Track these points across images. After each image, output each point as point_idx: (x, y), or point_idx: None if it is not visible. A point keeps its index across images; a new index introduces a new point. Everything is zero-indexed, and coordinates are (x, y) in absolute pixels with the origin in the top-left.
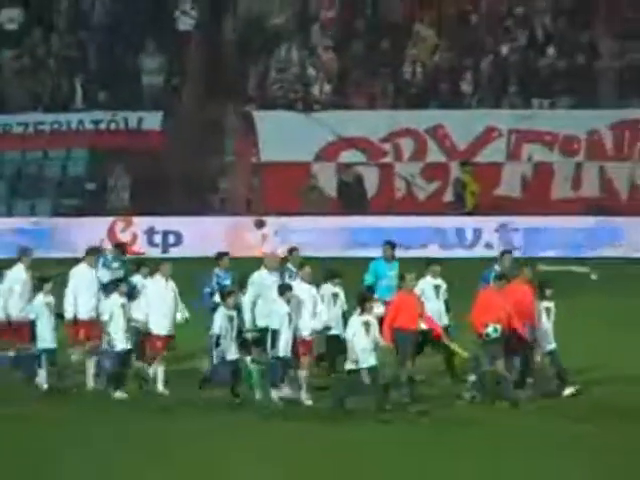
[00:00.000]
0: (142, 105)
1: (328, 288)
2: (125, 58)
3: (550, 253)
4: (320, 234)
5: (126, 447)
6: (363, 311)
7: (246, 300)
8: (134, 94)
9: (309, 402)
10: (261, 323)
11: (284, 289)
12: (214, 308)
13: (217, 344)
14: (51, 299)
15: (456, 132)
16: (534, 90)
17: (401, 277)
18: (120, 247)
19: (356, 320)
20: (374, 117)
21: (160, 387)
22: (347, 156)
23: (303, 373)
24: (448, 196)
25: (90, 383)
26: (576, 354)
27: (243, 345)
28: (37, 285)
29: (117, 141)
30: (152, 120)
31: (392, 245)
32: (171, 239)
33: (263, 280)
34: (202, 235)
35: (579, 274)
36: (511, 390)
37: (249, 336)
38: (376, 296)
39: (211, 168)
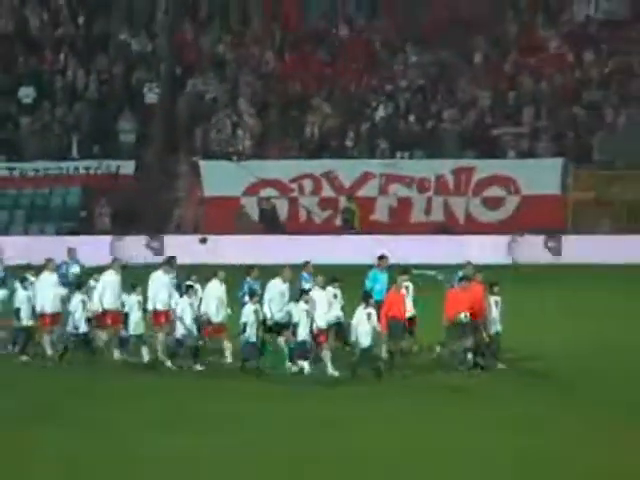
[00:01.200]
0: (120, 156)
1: (330, 290)
2: (108, 122)
3: (411, 261)
4: (247, 248)
5: (200, 401)
6: (366, 305)
7: (264, 299)
8: (114, 148)
9: (335, 373)
10: (275, 317)
11: (303, 293)
12: (242, 305)
13: (244, 330)
14: (141, 297)
15: (342, 175)
16: (398, 146)
17: (400, 280)
18: (171, 260)
19: (361, 311)
20: (285, 165)
21: (228, 358)
22: (266, 192)
23: (328, 353)
24: (337, 221)
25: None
26: None
27: (267, 330)
28: (132, 287)
29: (102, 182)
30: (127, 167)
31: (384, 257)
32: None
33: (275, 286)
34: (165, 248)
35: (430, 276)
36: (471, 360)
37: (269, 324)
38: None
39: (168, 201)
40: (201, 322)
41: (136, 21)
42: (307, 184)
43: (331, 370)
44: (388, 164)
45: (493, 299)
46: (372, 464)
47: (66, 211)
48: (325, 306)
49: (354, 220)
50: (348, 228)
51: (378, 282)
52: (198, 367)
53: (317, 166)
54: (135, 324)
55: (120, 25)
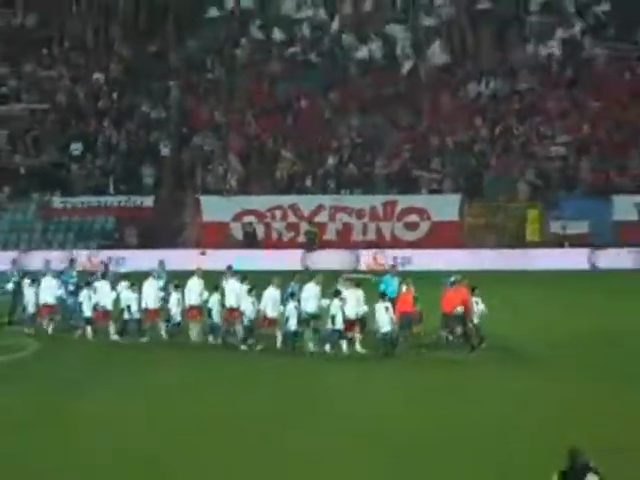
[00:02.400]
0: (142, 193)
1: (356, 291)
2: (134, 169)
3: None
4: (234, 259)
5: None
6: (384, 301)
7: (302, 298)
8: (138, 188)
9: (363, 351)
10: (310, 310)
11: (337, 293)
12: (286, 303)
13: (287, 321)
14: (220, 297)
15: (303, 207)
16: (343, 185)
17: (406, 283)
18: (231, 268)
19: (380, 306)
20: (262, 199)
21: (278, 343)
22: (248, 219)
23: (357, 336)
24: (299, 239)
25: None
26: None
27: (303, 322)
28: (215, 288)
29: (130, 212)
30: (148, 201)
31: (395, 266)
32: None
33: (311, 288)
34: (175, 259)
35: (365, 278)
36: (461, 342)
37: (304, 317)
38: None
39: (177, 225)
40: (259, 316)
41: (154, 96)
42: (278, 213)
43: (359, 349)
44: (336, 199)
45: (474, 299)
46: (390, 415)
47: (104, 233)
48: (354, 302)
49: (316, 239)
50: (311, 245)
51: (391, 284)
52: (258, 347)
53: (285, 200)
54: (216, 315)
55: (143, 99)
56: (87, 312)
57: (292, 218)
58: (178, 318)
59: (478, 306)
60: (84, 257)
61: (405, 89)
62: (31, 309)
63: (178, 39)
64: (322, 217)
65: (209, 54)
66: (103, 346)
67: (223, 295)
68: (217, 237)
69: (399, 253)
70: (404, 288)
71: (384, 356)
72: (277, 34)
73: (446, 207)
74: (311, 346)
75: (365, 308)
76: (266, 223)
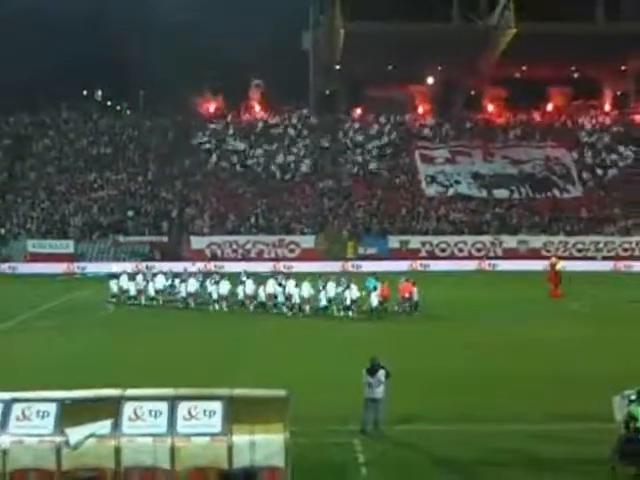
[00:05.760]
0: (162, 234)
1: (354, 285)
2: (158, 223)
3: (263, 272)
4: (209, 267)
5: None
6: (374, 290)
7: (327, 289)
8: (161, 232)
9: (355, 315)
10: (331, 295)
11: (348, 286)
12: (319, 292)
13: (319, 301)
14: (282, 289)
15: (240, 241)
16: (259, 231)
17: (382, 281)
18: (283, 272)
19: (373, 293)
20: (220, 238)
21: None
22: (213, 247)
23: (354, 309)
24: (238, 256)
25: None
26: None
27: (328, 301)
28: (279, 284)
29: (157, 243)
30: (165, 238)
31: (375, 273)
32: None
33: (331, 283)
34: (178, 268)
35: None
36: (410, 311)
37: (329, 298)
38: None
39: (179, 250)
40: (302, 299)
41: (169, 189)
42: (227, 244)
43: (351, 314)
44: (256, 237)
45: (415, 288)
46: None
47: (143, 254)
48: (357, 290)
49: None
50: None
51: (373, 282)
52: (301, 315)
53: (231, 239)
54: (281, 298)
55: (162, 189)
56: (215, 296)
57: (234, 247)
58: (263, 299)
59: (416, 292)
60: (134, 265)
61: (290, 186)
62: (183, 294)
63: (181, 159)
64: (248, 246)
65: (196, 167)
66: (225, 313)
67: (284, 287)
68: (198, 256)
69: (287, 264)
70: (379, 284)
71: (374, 319)
72: (226, 158)
73: (308, 241)
74: (336, 311)
75: (357, 294)
76: (222, 249)
